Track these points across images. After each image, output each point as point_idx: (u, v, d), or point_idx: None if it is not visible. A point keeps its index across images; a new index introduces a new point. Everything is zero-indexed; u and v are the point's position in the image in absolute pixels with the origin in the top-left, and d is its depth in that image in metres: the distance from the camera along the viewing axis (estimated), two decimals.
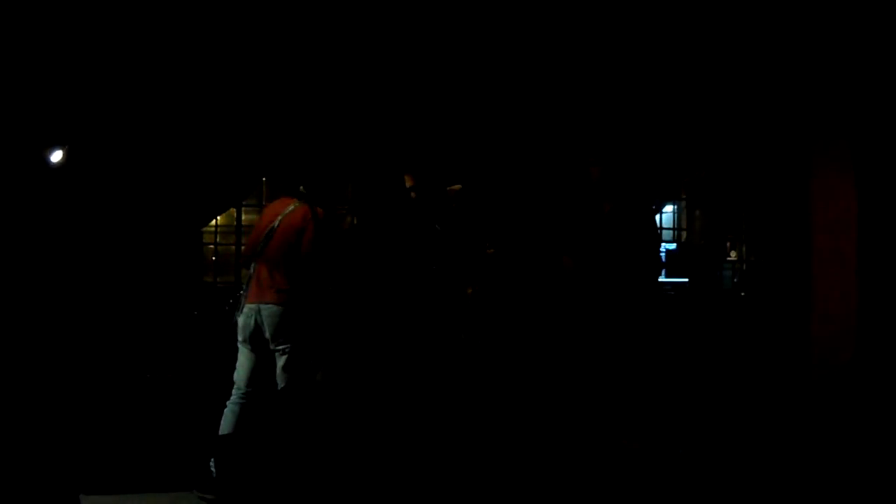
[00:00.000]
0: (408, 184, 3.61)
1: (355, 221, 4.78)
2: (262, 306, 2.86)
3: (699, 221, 6.27)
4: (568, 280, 3.59)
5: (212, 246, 5.14)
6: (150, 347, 4.06)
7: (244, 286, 3.01)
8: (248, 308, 2.90)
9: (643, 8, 4.37)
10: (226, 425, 2.83)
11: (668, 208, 6.51)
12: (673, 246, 5.75)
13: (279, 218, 2.95)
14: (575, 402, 3.45)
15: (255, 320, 2.87)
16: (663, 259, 5.27)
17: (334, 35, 4.32)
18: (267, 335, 2.86)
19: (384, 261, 3.81)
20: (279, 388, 2.91)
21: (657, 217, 5.76)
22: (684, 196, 6.29)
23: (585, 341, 3.44)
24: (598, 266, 3.36)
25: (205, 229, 4.93)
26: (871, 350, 4.36)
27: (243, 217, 4.94)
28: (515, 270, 4.04)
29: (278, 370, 2.90)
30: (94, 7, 3.84)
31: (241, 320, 2.92)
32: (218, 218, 5.01)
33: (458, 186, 3.69)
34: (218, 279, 5.06)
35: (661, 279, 5.29)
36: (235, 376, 2.95)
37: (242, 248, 3.89)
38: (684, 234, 6.30)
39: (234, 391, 2.92)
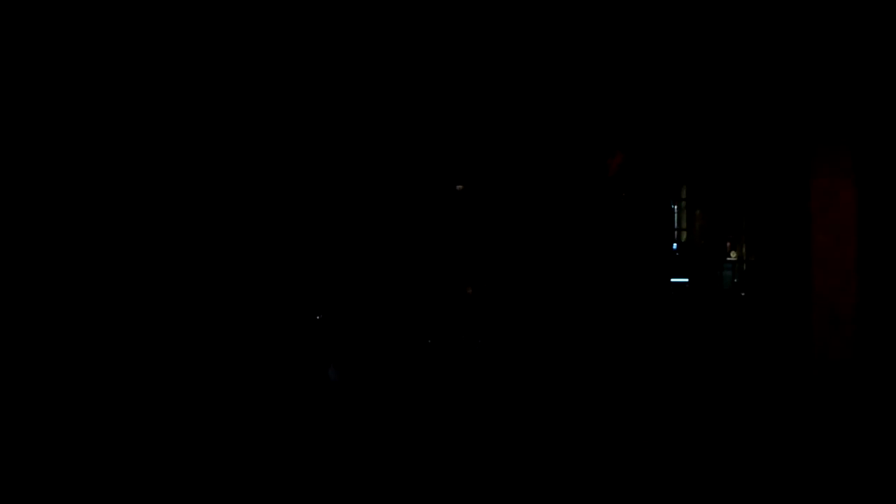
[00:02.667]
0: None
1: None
2: None
3: (699, 221, 6.28)
4: (579, 278, 3.59)
5: None
6: None
7: None
8: None
9: (646, 11, 4.37)
10: None
11: None
12: (673, 246, 5.75)
13: None
14: (576, 401, 3.45)
15: None
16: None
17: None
18: None
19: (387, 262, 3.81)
20: None
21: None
22: (684, 196, 6.30)
23: (589, 338, 3.45)
24: (610, 255, 3.35)
25: None
26: (871, 349, 4.38)
27: None
28: (521, 269, 4.03)
29: None
30: None
31: None
32: None
33: (460, 187, 3.68)
34: None
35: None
36: None
37: None
38: (684, 234, 6.31)
39: None
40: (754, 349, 4.85)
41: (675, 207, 6.48)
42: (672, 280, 5.42)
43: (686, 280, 5.48)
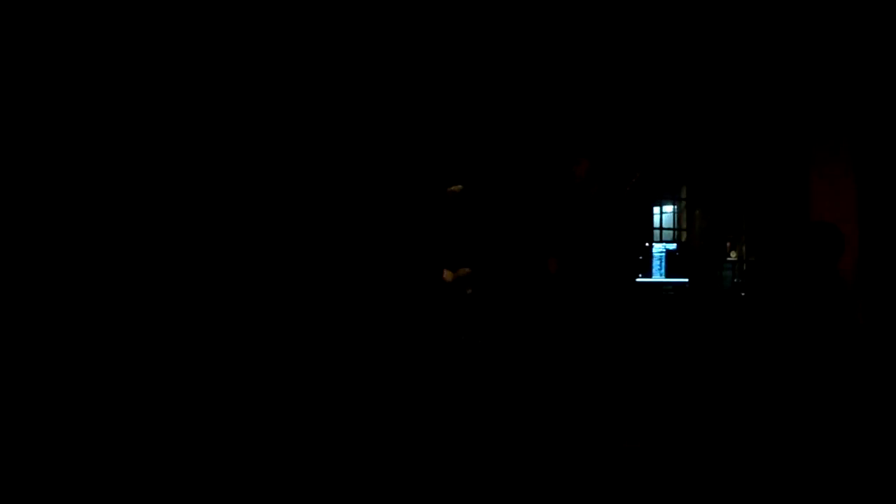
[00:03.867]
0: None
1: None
2: None
3: (699, 221, 6.27)
4: (554, 280, 3.61)
5: None
6: None
7: None
8: None
9: (644, 8, 4.37)
10: None
11: (668, 208, 6.52)
12: (673, 246, 5.76)
13: None
14: (574, 402, 3.45)
15: None
16: (659, 257, 5.27)
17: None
18: None
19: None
20: None
21: (655, 214, 5.77)
22: (684, 196, 6.30)
23: (579, 337, 3.47)
24: (584, 252, 3.39)
25: None
26: (871, 349, 4.37)
27: None
28: (508, 272, 4.04)
29: None
30: None
31: None
32: None
33: (458, 187, 3.69)
34: None
35: (661, 279, 5.29)
36: None
37: None
38: (684, 234, 6.30)
39: None
40: (754, 349, 4.84)
41: (675, 208, 6.48)
42: (670, 280, 5.42)
43: (686, 280, 5.48)
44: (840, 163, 4.78)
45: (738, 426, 3.51)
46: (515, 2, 4.18)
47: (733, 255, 6.00)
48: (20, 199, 3.75)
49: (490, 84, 4.67)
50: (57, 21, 3.78)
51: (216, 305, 3.94)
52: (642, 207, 3.84)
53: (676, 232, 6.30)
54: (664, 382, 3.93)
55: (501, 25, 4.31)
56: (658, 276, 5.40)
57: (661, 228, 6.25)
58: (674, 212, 6.49)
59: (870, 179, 4.58)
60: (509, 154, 4.73)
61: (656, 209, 6.24)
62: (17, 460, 2.84)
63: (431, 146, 4.61)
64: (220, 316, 3.79)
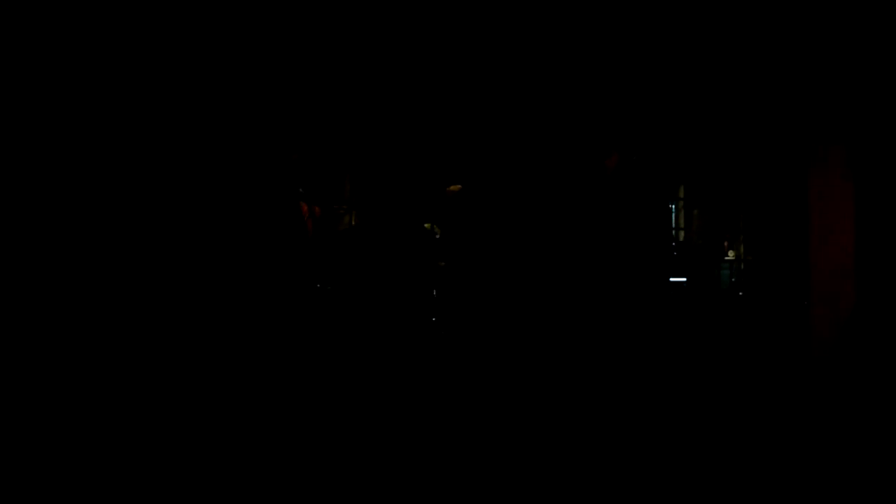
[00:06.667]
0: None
1: (353, 220, 4.77)
2: None
3: (697, 221, 6.27)
4: (581, 278, 3.58)
5: None
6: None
7: None
8: None
9: (642, 9, 4.36)
10: None
11: None
12: (672, 245, 5.74)
13: None
14: (575, 401, 3.44)
15: None
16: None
17: (331, 32, 4.29)
18: None
19: (382, 259, 3.79)
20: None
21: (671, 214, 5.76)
22: (682, 196, 6.29)
23: (587, 337, 3.45)
24: (607, 250, 3.37)
25: None
26: (870, 349, 4.37)
27: None
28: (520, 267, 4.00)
29: None
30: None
31: None
32: None
33: (457, 187, 3.67)
34: None
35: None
36: None
37: None
38: (682, 233, 6.31)
39: None
40: (752, 349, 4.84)
41: (673, 207, 6.47)
42: (671, 280, 5.41)
43: (684, 280, 5.47)
44: (838, 162, 4.79)
45: (734, 423, 3.51)
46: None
47: (731, 254, 6.00)
48: (20, 199, 3.71)
49: (505, 82, 4.65)
50: (55, 20, 3.75)
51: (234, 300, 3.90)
52: (657, 194, 3.80)
53: (674, 231, 6.30)
54: (662, 381, 3.93)
55: (512, 24, 4.30)
56: None
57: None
58: (672, 211, 6.49)
59: (868, 179, 4.58)
60: (535, 150, 4.70)
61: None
62: (17, 460, 2.81)
63: (450, 142, 4.59)
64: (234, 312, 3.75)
